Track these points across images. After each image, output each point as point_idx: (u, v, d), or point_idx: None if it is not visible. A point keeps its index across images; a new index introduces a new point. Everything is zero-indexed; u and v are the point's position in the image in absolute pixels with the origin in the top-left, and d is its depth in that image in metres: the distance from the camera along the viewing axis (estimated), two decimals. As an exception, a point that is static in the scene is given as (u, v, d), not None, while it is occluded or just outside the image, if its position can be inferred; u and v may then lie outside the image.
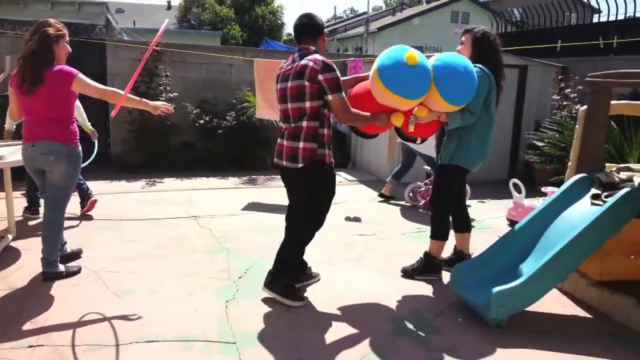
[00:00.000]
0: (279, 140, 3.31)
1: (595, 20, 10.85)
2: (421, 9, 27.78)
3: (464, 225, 3.97)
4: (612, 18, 8.12)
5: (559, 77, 7.42)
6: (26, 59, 3.36)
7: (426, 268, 3.83)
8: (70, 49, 3.56)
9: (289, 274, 3.41)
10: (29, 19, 9.34)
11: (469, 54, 3.63)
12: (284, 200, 3.54)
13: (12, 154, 3.98)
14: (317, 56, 3.09)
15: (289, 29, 31.28)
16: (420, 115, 3.33)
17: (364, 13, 28.17)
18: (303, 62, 3.08)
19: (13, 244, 4.26)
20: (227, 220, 5.26)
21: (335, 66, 3.09)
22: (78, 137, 3.57)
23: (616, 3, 7.91)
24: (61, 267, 3.63)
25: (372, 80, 3.26)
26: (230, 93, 8.26)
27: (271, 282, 3.36)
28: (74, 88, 3.43)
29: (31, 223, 4.86)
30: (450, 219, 3.89)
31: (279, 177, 3.47)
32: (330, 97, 3.06)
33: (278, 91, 3.27)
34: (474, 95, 3.35)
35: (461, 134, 3.57)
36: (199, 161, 8.06)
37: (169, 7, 32.12)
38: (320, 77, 3.01)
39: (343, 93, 3.10)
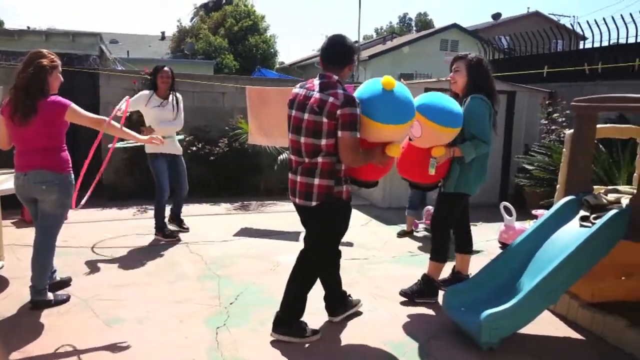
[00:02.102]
0: (290, 174, 3.10)
1: (581, 46, 11.08)
2: (411, 38, 28.32)
3: (467, 247, 4.02)
4: (597, 44, 8.33)
5: (547, 102, 7.55)
6: (19, 90, 3.37)
7: (425, 291, 3.82)
8: (62, 79, 3.59)
9: (296, 312, 3.18)
10: (24, 49, 9.41)
11: (464, 80, 3.69)
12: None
13: (2, 182, 3.98)
14: (340, 90, 2.84)
15: (281, 57, 31.66)
16: (438, 155, 3.39)
17: (355, 42, 28.63)
18: (322, 96, 2.85)
19: (1, 272, 4.21)
20: (218, 246, 5.23)
21: (357, 102, 2.87)
22: (70, 165, 3.58)
23: (600, 30, 8.11)
24: (50, 296, 3.59)
25: None
26: (222, 120, 8.31)
27: (279, 325, 3.15)
28: (67, 118, 3.46)
29: (21, 254, 4.80)
30: (454, 240, 3.96)
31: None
32: (340, 133, 2.82)
33: (292, 119, 3.00)
34: (478, 123, 3.48)
35: (462, 161, 3.60)
36: (192, 187, 8.04)
37: (163, 37, 32.48)
38: (339, 112, 2.78)
39: (357, 133, 2.84)
